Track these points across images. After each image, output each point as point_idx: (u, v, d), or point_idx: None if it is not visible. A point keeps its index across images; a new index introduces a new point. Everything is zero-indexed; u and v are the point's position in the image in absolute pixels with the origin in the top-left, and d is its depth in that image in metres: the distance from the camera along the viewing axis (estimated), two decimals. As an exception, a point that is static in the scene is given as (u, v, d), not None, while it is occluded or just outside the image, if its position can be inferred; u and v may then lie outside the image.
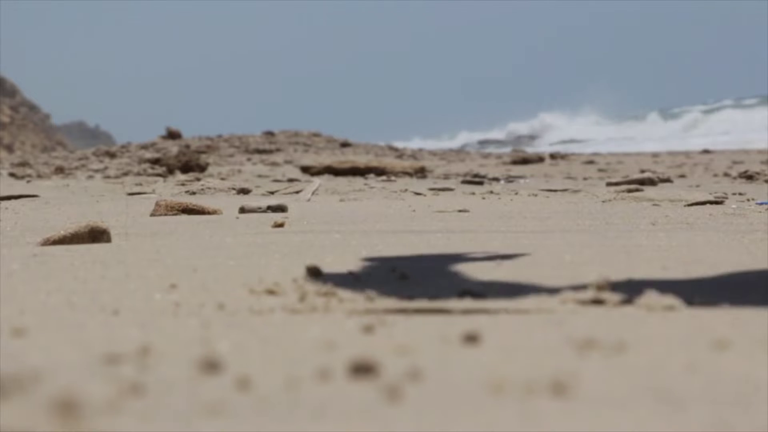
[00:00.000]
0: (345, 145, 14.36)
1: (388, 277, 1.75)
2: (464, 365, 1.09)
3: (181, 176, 7.13)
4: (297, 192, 4.80)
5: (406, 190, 4.83)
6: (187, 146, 12.93)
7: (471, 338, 1.21)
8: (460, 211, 3.36)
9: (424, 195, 4.59)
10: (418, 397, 0.95)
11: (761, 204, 3.74)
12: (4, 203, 4.25)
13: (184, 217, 3.24)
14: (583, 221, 3.02)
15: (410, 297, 1.55)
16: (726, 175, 7.18)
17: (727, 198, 4.08)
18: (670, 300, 1.50)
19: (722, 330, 1.28)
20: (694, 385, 1.00)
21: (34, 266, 1.96)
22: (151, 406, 0.93)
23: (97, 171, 9.12)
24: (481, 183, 5.88)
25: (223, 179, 6.58)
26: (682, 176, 7.27)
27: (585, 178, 7.08)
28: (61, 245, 2.36)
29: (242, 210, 3.41)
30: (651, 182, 5.47)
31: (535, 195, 4.38)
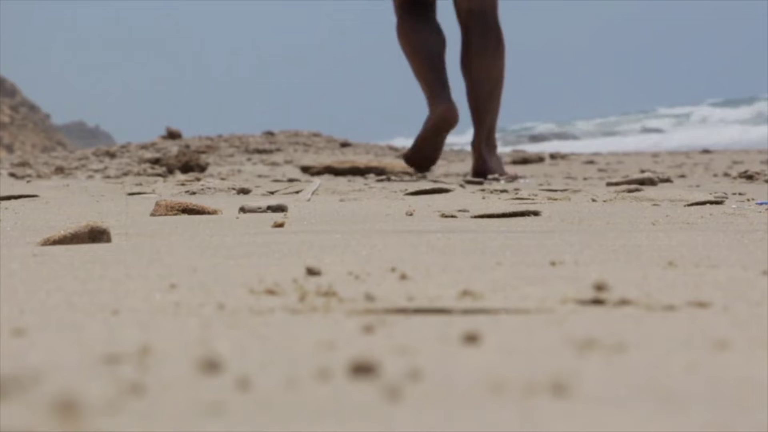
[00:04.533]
0: (345, 145, 14.35)
1: (388, 277, 1.75)
2: (464, 365, 1.09)
3: (181, 176, 7.13)
4: (297, 192, 4.79)
5: (406, 190, 4.83)
6: (187, 146, 12.93)
7: (471, 338, 1.21)
8: (460, 211, 3.36)
9: (424, 195, 4.59)
10: (418, 397, 0.95)
11: (761, 204, 3.74)
12: (4, 203, 4.25)
13: (184, 217, 3.24)
14: (583, 221, 3.03)
15: (410, 297, 1.55)
16: (726, 175, 7.18)
17: (727, 198, 4.07)
18: (670, 300, 1.51)
19: (722, 330, 1.28)
20: (694, 385, 1.00)
21: (34, 266, 1.96)
22: (151, 406, 0.93)
23: (97, 171, 9.12)
24: (481, 183, 5.87)
25: (223, 179, 6.58)
26: (682, 176, 7.27)
27: (585, 178, 7.08)
28: (61, 245, 2.36)
29: (242, 210, 3.41)
30: (651, 182, 5.46)
31: (536, 195, 4.38)
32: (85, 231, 2.42)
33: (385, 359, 1.10)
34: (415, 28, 5.93)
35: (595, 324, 1.33)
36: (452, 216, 3.22)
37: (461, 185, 5.44)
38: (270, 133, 15.17)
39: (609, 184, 5.48)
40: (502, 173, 6.04)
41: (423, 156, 6.16)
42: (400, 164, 7.57)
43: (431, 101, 5.95)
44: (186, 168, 7.69)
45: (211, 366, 1.06)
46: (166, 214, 3.31)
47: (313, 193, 4.58)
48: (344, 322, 1.36)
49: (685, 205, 3.64)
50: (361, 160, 7.98)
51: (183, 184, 5.76)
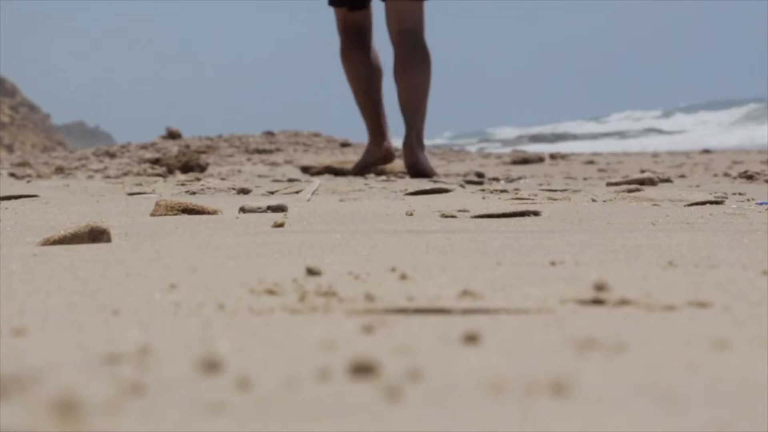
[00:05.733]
0: (345, 145, 14.35)
1: (388, 277, 1.75)
2: (464, 365, 1.09)
3: (181, 176, 7.13)
4: (297, 192, 4.79)
5: (406, 190, 4.83)
6: (187, 146, 12.93)
7: (471, 338, 1.21)
8: (460, 211, 3.36)
9: (425, 195, 4.59)
10: (418, 397, 0.95)
11: (761, 204, 3.74)
12: (4, 203, 4.24)
13: (184, 217, 3.24)
14: (583, 221, 3.03)
15: (410, 297, 1.55)
16: (726, 175, 7.18)
17: (727, 198, 4.07)
18: (670, 300, 1.51)
19: (722, 330, 1.28)
20: (694, 385, 1.00)
21: (34, 266, 1.96)
22: (151, 406, 0.93)
23: (97, 171, 9.12)
24: (481, 183, 5.87)
25: (223, 179, 6.58)
26: (682, 176, 7.26)
27: (585, 178, 7.08)
28: (61, 245, 2.36)
29: (242, 210, 3.41)
30: (651, 182, 5.46)
31: (536, 195, 4.38)
32: (85, 231, 2.42)
33: (385, 359, 1.10)
34: (357, 61, 7.06)
35: (595, 324, 1.33)
36: (452, 216, 3.22)
37: (461, 185, 5.43)
38: (270, 133, 15.17)
39: (609, 184, 5.48)
40: (432, 170, 6.97)
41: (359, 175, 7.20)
42: (400, 164, 7.59)
43: (372, 139, 7.22)
44: (186, 168, 7.69)
45: (211, 366, 1.06)
46: (166, 214, 3.31)
47: (313, 193, 4.58)
48: (344, 322, 1.36)
49: (685, 205, 3.64)
50: (361, 160, 7.97)
51: (183, 184, 5.76)
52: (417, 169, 6.96)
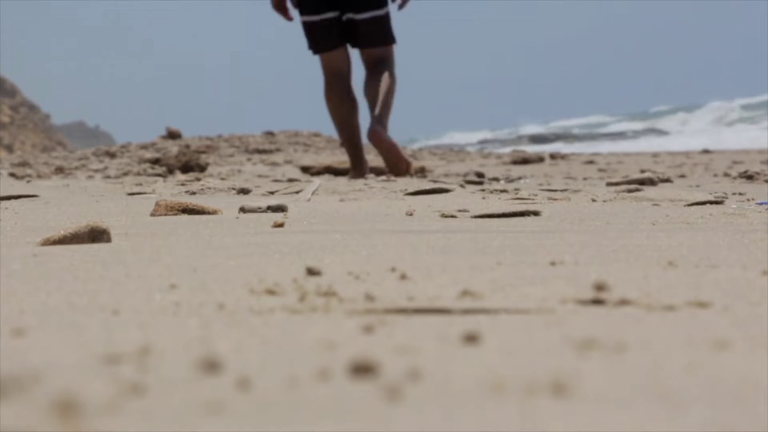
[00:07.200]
0: (345, 145, 14.32)
1: (388, 277, 1.75)
2: (464, 365, 1.09)
3: (181, 176, 7.13)
4: (297, 192, 4.79)
5: (406, 190, 4.83)
6: (187, 146, 12.92)
7: (471, 338, 1.21)
8: (460, 211, 3.36)
9: (425, 195, 4.59)
10: (418, 397, 0.95)
11: (761, 204, 3.74)
12: (4, 203, 4.25)
13: (184, 217, 3.24)
14: (583, 221, 3.03)
15: (410, 297, 1.55)
16: (726, 175, 7.18)
17: (727, 198, 4.07)
18: (670, 300, 1.51)
19: (722, 330, 1.28)
20: (694, 385, 1.00)
21: (34, 266, 1.96)
22: (151, 406, 0.93)
23: (97, 171, 9.12)
24: (481, 183, 5.87)
25: (223, 179, 6.58)
26: (682, 176, 7.26)
27: (585, 178, 7.08)
28: (61, 245, 2.36)
29: (242, 210, 3.41)
30: (651, 182, 5.46)
31: (536, 195, 4.38)
32: (85, 231, 2.42)
33: (385, 359, 1.10)
34: (339, 101, 7.70)
35: (595, 324, 1.33)
36: (452, 216, 3.22)
37: (461, 185, 5.44)
38: (270, 133, 15.16)
39: (609, 184, 5.48)
40: (403, 156, 7.47)
41: None
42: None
43: (353, 167, 7.68)
44: (186, 168, 7.69)
45: (211, 366, 1.06)
46: (166, 214, 3.31)
47: (313, 193, 4.58)
48: (344, 322, 1.37)
49: (685, 205, 3.64)
50: (361, 160, 7.98)
51: (183, 184, 5.76)
52: (387, 149, 7.39)
